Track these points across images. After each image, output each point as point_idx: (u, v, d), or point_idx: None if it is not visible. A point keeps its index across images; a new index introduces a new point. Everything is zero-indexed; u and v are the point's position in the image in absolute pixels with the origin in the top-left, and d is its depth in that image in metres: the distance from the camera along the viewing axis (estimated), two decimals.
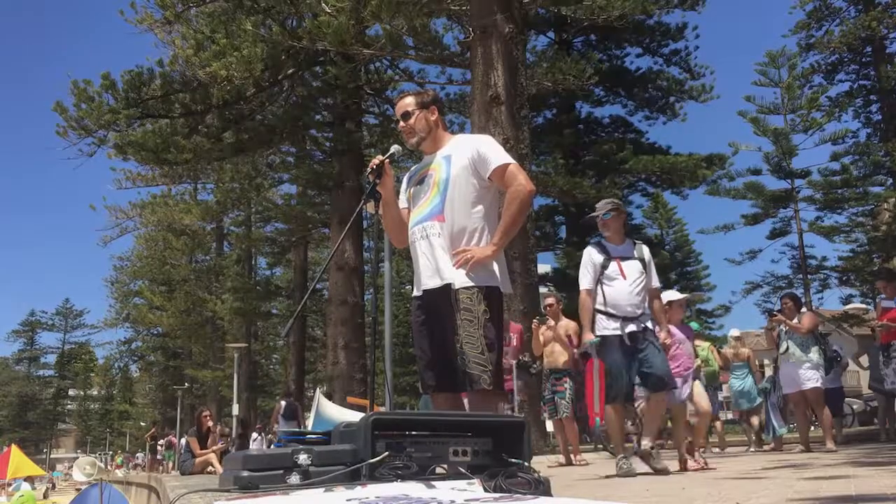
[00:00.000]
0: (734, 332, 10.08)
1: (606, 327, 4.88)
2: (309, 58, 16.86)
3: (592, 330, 4.92)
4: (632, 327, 4.83)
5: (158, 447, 30.78)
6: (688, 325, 5.72)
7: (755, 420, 9.36)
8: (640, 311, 4.89)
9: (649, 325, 4.91)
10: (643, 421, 5.14)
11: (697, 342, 9.91)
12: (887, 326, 8.19)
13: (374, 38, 14.99)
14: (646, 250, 5.19)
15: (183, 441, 25.75)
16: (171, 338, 40.94)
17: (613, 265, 4.95)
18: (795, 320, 7.52)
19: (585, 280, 5.02)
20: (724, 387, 10.67)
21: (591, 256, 5.06)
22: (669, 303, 5.85)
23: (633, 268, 4.98)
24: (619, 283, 4.91)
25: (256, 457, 2.23)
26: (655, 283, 5.15)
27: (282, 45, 14.94)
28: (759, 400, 9.24)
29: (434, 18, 14.89)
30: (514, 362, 5.94)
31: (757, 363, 9.79)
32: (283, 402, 16.00)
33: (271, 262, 33.80)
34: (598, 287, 4.97)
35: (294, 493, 2.07)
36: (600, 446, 10.48)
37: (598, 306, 4.95)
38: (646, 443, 4.97)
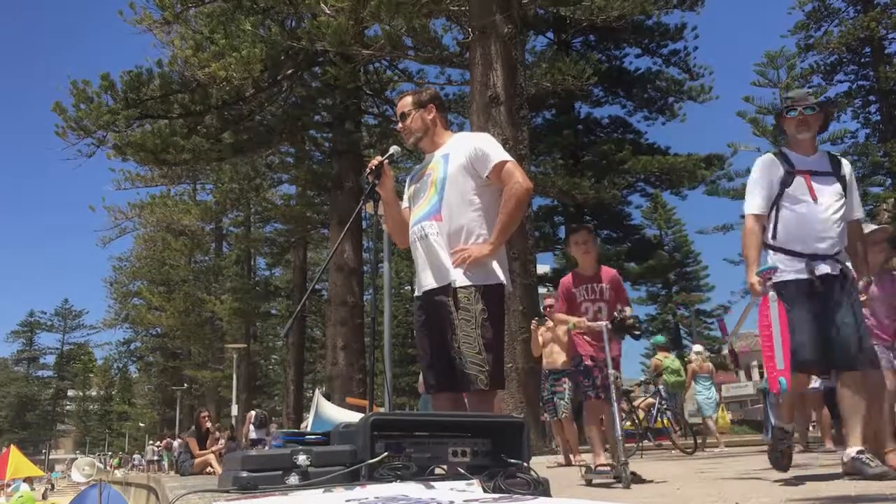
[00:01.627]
0: (697, 348, 11.00)
1: (786, 269, 3.48)
2: (308, 58, 16.86)
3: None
4: (824, 268, 3.45)
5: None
6: (893, 273, 4.26)
7: (712, 423, 10.25)
8: (836, 249, 3.49)
9: (848, 266, 3.51)
10: (843, 415, 3.47)
11: (664, 354, 10.57)
12: None
13: (373, 38, 15.01)
14: (848, 167, 3.67)
15: (176, 442, 25.92)
16: (170, 338, 40.97)
17: (799, 182, 3.54)
18: None
19: (755, 200, 3.60)
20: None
21: (766, 168, 3.62)
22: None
23: (828, 188, 3.54)
24: (806, 208, 3.50)
25: (255, 457, 2.23)
26: (858, 212, 3.69)
27: (281, 45, 14.96)
28: (717, 407, 10.40)
29: (433, 19, 14.89)
30: (605, 324, 4.25)
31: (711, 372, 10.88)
32: (253, 412, 17.43)
33: (270, 262, 33.84)
34: (774, 212, 3.57)
35: (293, 493, 2.07)
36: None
37: (771, 240, 3.57)
38: (852, 450, 3.36)
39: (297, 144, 20.45)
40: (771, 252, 3.56)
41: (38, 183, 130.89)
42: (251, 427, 16.43)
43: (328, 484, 2.14)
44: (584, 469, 4.44)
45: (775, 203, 3.56)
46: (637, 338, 4.39)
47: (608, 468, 4.20)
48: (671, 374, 10.04)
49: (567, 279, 4.69)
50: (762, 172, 3.61)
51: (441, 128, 3.32)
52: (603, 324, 4.29)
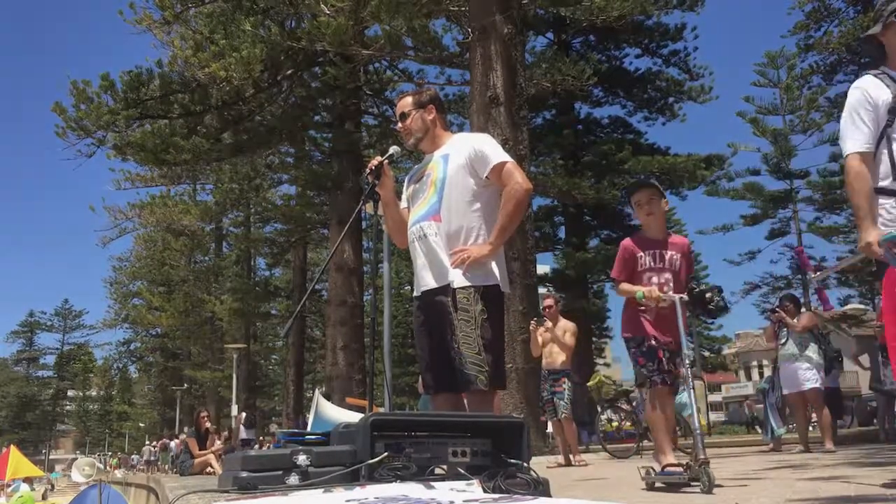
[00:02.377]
0: None
1: None
2: (308, 58, 16.87)
3: (875, 221, 2.78)
4: None
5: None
6: None
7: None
8: None
9: None
10: None
11: None
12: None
13: (373, 38, 15.01)
14: None
15: (172, 443, 25.85)
16: (170, 338, 41.00)
17: None
18: (795, 321, 7.55)
19: (857, 136, 2.87)
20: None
21: (868, 92, 2.89)
22: None
23: None
24: None
25: (255, 457, 2.23)
26: None
27: (281, 45, 14.95)
28: (688, 410, 10.20)
29: (433, 19, 14.89)
30: (680, 296, 3.62)
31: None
32: (243, 414, 17.98)
33: (270, 262, 33.79)
34: (886, 147, 2.84)
35: (293, 493, 2.07)
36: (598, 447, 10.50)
37: (884, 182, 2.84)
38: None
39: (297, 145, 20.45)
40: (881, 197, 2.82)
41: (38, 183, 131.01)
42: (241, 428, 16.65)
43: (328, 484, 2.14)
44: (644, 470, 3.73)
45: (884, 135, 2.83)
46: (714, 315, 3.79)
47: (680, 469, 3.49)
48: (609, 385, 10.40)
49: (629, 242, 3.94)
50: (864, 98, 2.87)
51: (441, 128, 3.33)
52: (676, 296, 3.64)
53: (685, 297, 3.66)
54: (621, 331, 3.93)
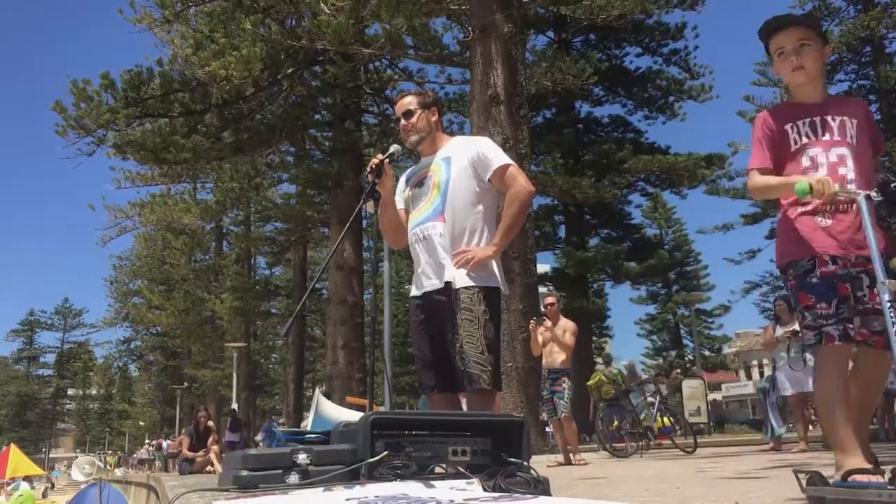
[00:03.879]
0: (625, 362, 12.60)
1: None
2: (308, 57, 16.87)
3: None
4: None
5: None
6: None
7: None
8: None
9: None
10: None
11: (609, 368, 11.65)
12: None
13: (373, 37, 15.01)
14: None
15: (165, 443, 25.72)
16: (170, 337, 40.97)
17: None
18: (795, 324, 7.57)
19: None
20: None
21: None
22: None
23: None
24: None
25: (255, 456, 2.23)
26: None
27: (281, 44, 14.95)
28: (644, 413, 10.90)
29: (433, 18, 14.89)
30: (865, 193, 2.21)
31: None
32: (229, 417, 17.87)
33: (270, 261, 33.79)
34: None
35: (293, 492, 2.07)
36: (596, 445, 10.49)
37: None
38: None
39: (298, 143, 20.45)
40: None
41: (38, 182, 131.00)
42: (227, 432, 16.61)
43: (328, 483, 2.15)
44: (805, 477, 2.17)
45: None
46: None
47: (881, 479, 2.06)
48: (609, 384, 10.91)
49: (767, 113, 2.52)
50: None
51: (439, 131, 3.35)
52: (861, 193, 2.21)
53: (876, 193, 2.20)
54: (776, 259, 2.46)
